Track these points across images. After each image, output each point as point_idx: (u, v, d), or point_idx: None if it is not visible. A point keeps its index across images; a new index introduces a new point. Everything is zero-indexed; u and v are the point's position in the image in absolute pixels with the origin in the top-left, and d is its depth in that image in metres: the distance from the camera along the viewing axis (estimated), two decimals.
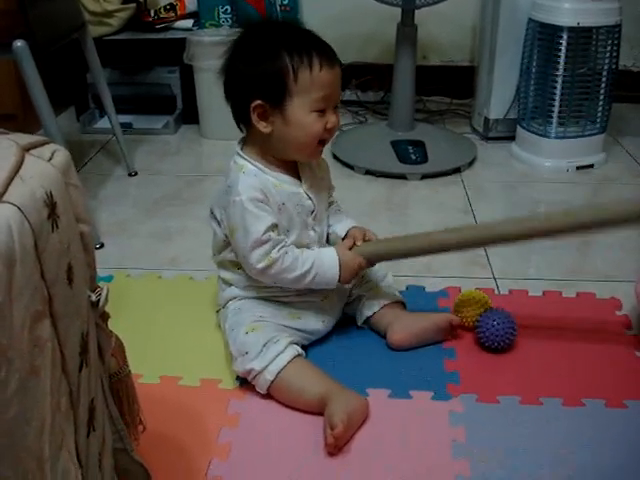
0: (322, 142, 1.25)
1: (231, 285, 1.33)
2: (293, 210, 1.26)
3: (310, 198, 1.29)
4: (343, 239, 1.35)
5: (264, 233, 1.20)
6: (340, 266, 1.26)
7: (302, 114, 1.19)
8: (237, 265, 1.30)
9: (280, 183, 1.25)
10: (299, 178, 1.29)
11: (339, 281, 1.27)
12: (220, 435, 1.13)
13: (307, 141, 1.22)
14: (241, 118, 1.25)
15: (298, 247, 1.27)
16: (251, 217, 1.20)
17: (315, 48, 1.19)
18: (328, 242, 1.38)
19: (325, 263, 1.25)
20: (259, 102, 1.19)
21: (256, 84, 1.19)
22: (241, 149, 1.27)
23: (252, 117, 1.21)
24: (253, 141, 1.26)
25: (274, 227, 1.22)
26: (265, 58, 1.19)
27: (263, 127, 1.21)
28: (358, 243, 1.31)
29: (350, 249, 1.30)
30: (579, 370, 1.27)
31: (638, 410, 1.18)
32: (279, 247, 1.22)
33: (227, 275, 1.33)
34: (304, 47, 1.18)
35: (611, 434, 1.13)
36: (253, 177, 1.23)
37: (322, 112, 1.20)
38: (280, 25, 1.28)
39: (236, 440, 1.12)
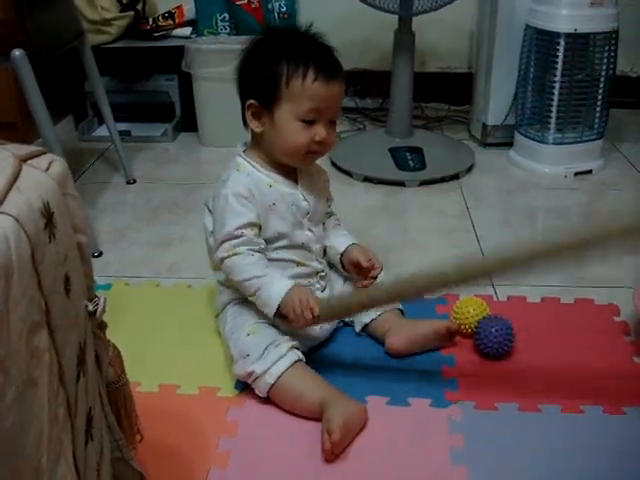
0: (312, 153, 1.26)
1: (228, 287, 1.33)
2: (286, 210, 1.28)
3: (306, 200, 1.30)
4: (342, 254, 1.37)
5: (237, 229, 1.23)
6: (286, 295, 1.20)
7: (288, 120, 1.22)
8: None
9: (275, 183, 1.27)
10: (296, 181, 1.31)
11: (276, 312, 1.21)
12: (219, 443, 1.13)
13: (292, 149, 1.24)
14: (244, 116, 1.28)
15: (294, 247, 1.29)
16: (230, 211, 1.23)
17: (316, 61, 1.21)
18: (325, 255, 1.39)
19: (274, 286, 1.21)
20: (253, 102, 1.23)
21: (253, 84, 1.24)
22: (243, 151, 1.31)
23: (246, 115, 1.25)
24: (252, 141, 1.31)
25: (252, 225, 1.24)
26: (267, 61, 1.22)
27: (255, 126, 1.26)
28: (363, 264, 1.32)
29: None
30: (577, 376, 1.27)
31: (636, 416, 1.18)
32: (250, 247, 1.23)
33: (223, 277, 1.33)
34: (305, 57, 1.20)
35: (610, 441, 1.13)
36: (245, 176, 1.27)
37: (310, 123, 1.22)
38: (295, 34, 1.28)
39: (235, 448, 1.12)
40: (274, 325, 1.26)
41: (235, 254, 1.23)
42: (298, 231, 1.30)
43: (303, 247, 1.31)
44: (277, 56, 1.21)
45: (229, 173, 1.28)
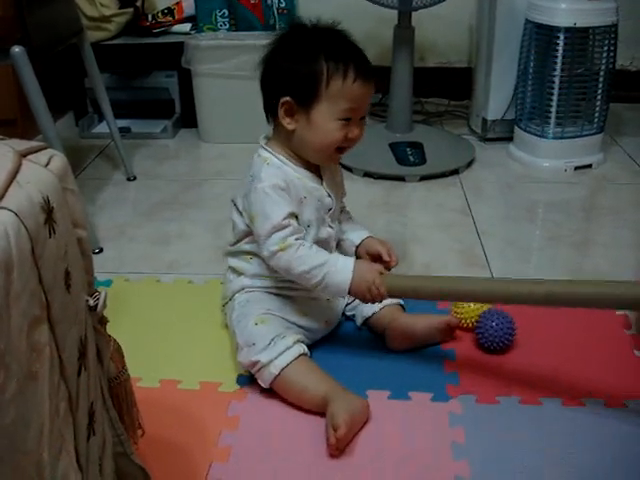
0: (341, 149, 1.26)
1: (240, 275, 1.33)
2: (314, 204, 1.27)
3: (330, 196, 1.31)
4: (357, 247, 1.37)
5: (284, 218, 1.21)
6: (353, 273, 1.21)
7: (326, 120, 1.21)
8: (250, 255, 1.31)
9: (302, 177, 1.27)
10: (320, 176, 1.31)
11: (350, 290, 1.21)
12: (220, 438, 1.13)
13: (325, 146, 1.24)
14: (270, 111, 1.27)
15: (317, 242, 1.28)
16: (271, 203, 1.22)
17: (354, 60, 1.20)
18: (337, 247, 1.39)
19: (339, 265, 1.21)
20: (288, 99, 1.21)
21: (289, 81, 1.21)
22: (265, 144, 1.30)
23: (279, 112, 1.23)
24: (277, 136, 1.29)
25: (293, 216, 1.23)
26: (304, 58, 1.21)
27: (287, 123, 1.23)
28: (385, 257, 1.31)
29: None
30: (578, 370, 1.27)
31: (638, 409, 1.18)
32: (298, 235, 1.23)
33: (237, 263, 1.33)
34: (343, 56, 1.20)
35: (611, 434, 1.13)
36: (276, 168, 1.26)
37: (347, 121, 1.22)
38: (327, 31, 1.26)
39: (236, 443, 1.12)
40: (282, 317, 1.27)
41: (288, 246, 1.21)
42: (322, 227, 1.30)
43: (324, 243, 1.31)
44: (315, 54, 1.19)
45: (258, 168, 1.26)
